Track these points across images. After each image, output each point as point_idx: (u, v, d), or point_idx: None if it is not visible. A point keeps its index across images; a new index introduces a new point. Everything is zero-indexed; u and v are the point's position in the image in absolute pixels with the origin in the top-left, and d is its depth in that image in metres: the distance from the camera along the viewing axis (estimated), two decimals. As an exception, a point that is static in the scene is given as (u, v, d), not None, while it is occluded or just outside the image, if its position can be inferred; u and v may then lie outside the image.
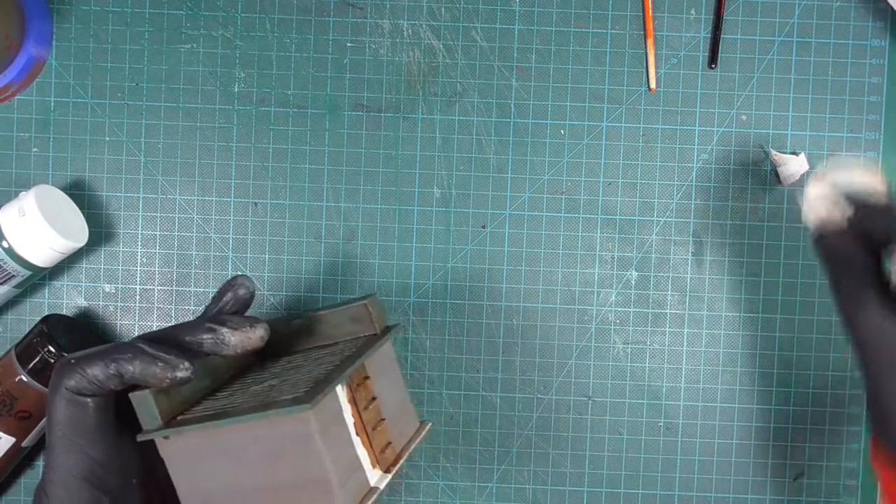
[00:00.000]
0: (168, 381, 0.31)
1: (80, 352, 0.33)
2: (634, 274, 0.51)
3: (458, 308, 0.51)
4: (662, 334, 0.51)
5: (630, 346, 0.51)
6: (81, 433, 0.32)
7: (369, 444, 0.32)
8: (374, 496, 0.30)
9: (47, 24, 0.50)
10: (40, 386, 0.45)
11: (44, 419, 0.47)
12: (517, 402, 0.51)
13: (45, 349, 0.45)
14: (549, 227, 0.51)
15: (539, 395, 0.51)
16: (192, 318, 0.50)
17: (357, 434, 0.31)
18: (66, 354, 0.45)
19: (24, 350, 0.46)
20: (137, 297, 0.51)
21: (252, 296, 0.37)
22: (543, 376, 0.51)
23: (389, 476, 0.32)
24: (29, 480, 0.50)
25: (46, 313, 0.50)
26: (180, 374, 0.31)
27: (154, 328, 0.51)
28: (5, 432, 0.46)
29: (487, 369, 0.51)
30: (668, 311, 0.51)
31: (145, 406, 0.31)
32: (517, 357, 0.51)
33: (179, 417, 0.32)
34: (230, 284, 0.37)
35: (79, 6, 0.50)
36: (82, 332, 0.49)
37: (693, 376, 0.51)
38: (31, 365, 0.45)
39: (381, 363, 0.36)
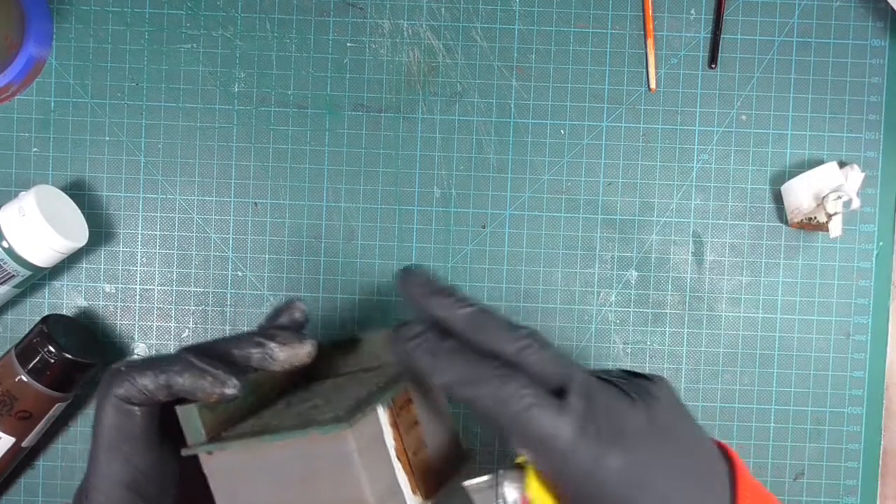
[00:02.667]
0: (216, 396, 0.31)
1: (130, 360, 0.33)
2: (634, 274, 0.51)
3: (458, 308, 0.51)
4: (662, 334, 0.51)
5: (630, 346, 0.51)
6: (127, 441, 0.32)
7: (410, 469, 0.31)
8: None
9: (47, 24, 0.50)
10: (40, 386, 0.45)
11: (43, 419, 0.47)
12: (517, 402, 0.51)
13: (45, 349, 0.45)
14: (549, 227, 0.51)
15: (539, 395, 0.51)
16: (192, 318, 0.50)
17: (398, 458, 0.30)
18: (66, 354, 0.45)
19: (24, 350, 0.46)
20: (137, 297, 0.51)
21: (307, 321, 0.37)
22: (543, 376, 0.51)
23: (429, 503, 0.32)
24: (29, 480, 0.50)
25: (46, 313, 0.50)
26: (228, 391, 0.31)
27: (154, 328, 0.51)
28: (5, 432, 0.46)
29: (487, 369, 0.51)
30: (668, 311, 0.51)
31: (191, 420, 0.31)
32: (517, 357, 0.51)
33: (224, 433, 0.32)
34: (288, 307, 0.37)
35: (79, 6, 0.50)
36: (82, 332, 0.49)
37: (693, 376, 0.51)
38: (31, 365, 0.45)
39: (426, 388, 0.35)
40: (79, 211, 0.48)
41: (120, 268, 0.51)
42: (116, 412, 0.32)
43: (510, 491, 0.29)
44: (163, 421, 0.34)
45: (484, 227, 0.51)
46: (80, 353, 0.46)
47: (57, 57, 0.50)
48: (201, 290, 0.51)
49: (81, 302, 0.51)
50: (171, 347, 0.51)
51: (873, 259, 0.51)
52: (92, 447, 0.33)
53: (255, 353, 0.33)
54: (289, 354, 0.33)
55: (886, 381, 0.51)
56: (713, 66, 0.50)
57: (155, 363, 0.32)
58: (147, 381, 0.32)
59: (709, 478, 0.30)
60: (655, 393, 0.30)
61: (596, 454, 0.27)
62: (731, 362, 0.51)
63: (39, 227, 0.44)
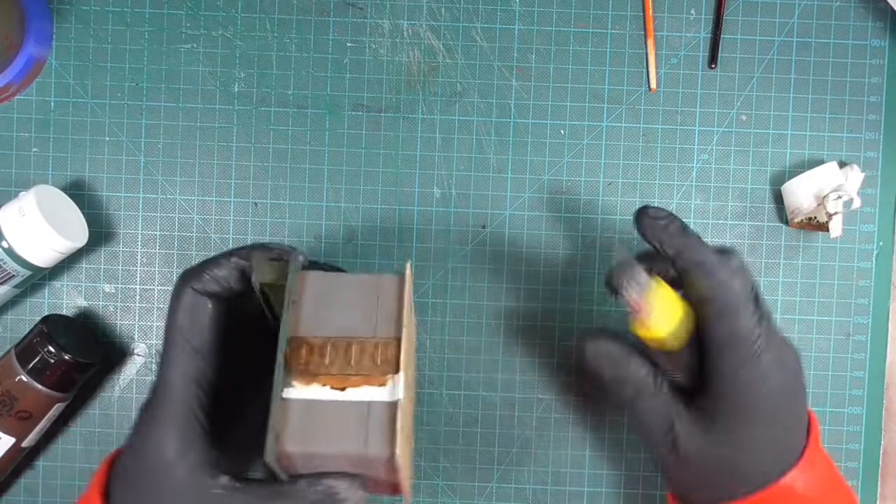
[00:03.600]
0: (300, 258, 0.35)
1: (201, 261, 0.36)
2: (634, 274, 0.51)
3: (458, 308, 0.51)
4: (662, 334, 0.51)
5: (630, 346, 0.51)
6: (198, 334, 0.35)
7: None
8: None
9: (47, 24, 0.50)
10: (40, 386, 0.45)
11: (43, 419, 0.47)
12: (517, 402, 0.51)
13: (45, 349, 0.45)
14: (549, 227, 0.51)
15: (539, 395, 0.51)
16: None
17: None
18: (66, 354, 0.45)
19: (24, 350, 0.46)
20: (137, 297, 0.51)
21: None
22: (543, 376, 0.51)
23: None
24: (29, 480, 0.51)
25: (46, 313, 0.50)
26: (301, 258, 0.35)
27: (154, 328, 0.51)
28: (5, 432, 0.46)
29: (487, 369, 0.51)
30: (668, 311, 0.51)
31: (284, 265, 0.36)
32: (517, 357, 0.51)
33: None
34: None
35: (79, 6, 0.50)
36: (82, 332, 0.49)
37: (693, 376, 0.51)
38: (31, 365, 0.45)
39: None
40: (79, 211, 0.48)
41: (120, 268, 0.51)
42: (191, 303, 0.35)
43: (643, 278, 0.38)
44: (226, 332, 0.36)
45: (484, 227, 0.51)
46: (80, 353, 0.46)
47: (57, 57, 0.50)
48: (201, 290, 0.51)
49: (81, 302, 0.51)
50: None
51: (873, 259, 0.51)
52: (165, 344, 0.35)
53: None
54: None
55: (886, 381, 0.51)
56: (713, 66, 0.50)
57: (225, 253, 0.36)
58: (221, 269, 0.35)
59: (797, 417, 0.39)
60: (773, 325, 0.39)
61: (760, 337, 0.37)
62: (731, 362, 0.51)
63: (39, 227, 0.44)
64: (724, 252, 0.39)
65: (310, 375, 0.33)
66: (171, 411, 0.34)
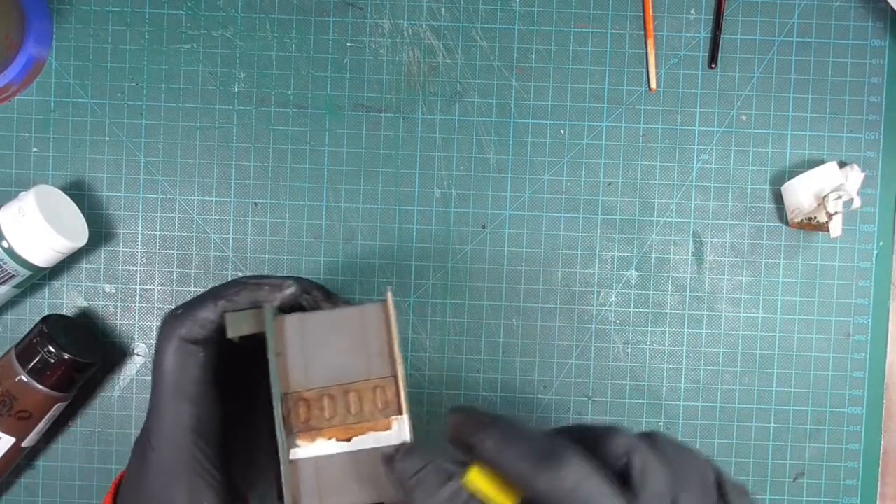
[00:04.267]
0: (278, 300, 0.33)
1: (184, 303, 0.34)
2: (634, 274, 0.51)
3: (458, 308, 0.51)
4: (662, 334, 0.51)
5: (630, 346, 0.51)
6: (191, 383, 0.33)
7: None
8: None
9: (47, 24, 0.50)
10: (40, 386, 0.45)
11: (43, 419, 0.47)
12: (517, 402, 0.51)
13: (45, 349, 0.45)
14: (549, 227, 0.51)
15: (539, 395, 0.51)
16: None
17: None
18: (66, 354, 0.45)
19: (24, 350, 0.46)
20: (137, 297, 0.51)
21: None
22: (543, 376, 0.51)
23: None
24: (29, 480, 0.50)
25: (46, 313, 0.50)
26: (288, 291, 0.33)
27: (154, 328, 0.51)
28: (5, 432, 0.46)
29: (487, 369, 0.51)
30: (668, 311, 0.51)
31: (262, 315, 0.34)
32: (517, 357, 0.51)
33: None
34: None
35: (79, 6, 0.50)
36: (82, 332, 0.49)
37: (693, 376, 0.51)
38: (31, 365, 0.45)
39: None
40: (79, 211, 0.48)
41: (120, 268, 0.51)
42: (180, 354, 0.33)
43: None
44: (219, 372, 0.35)
45: (484, 227, 0.51)
46: (80, 353, 0.46)
47: (57, 57, 0.50)
48: (201, 290, 0.51)
49: (81, 302, 0.51)
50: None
51: (873, 259, 0.51)
52: (154, 394, 0.33)
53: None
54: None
55: (886, 381, 0.51)
56: (713, 66, 0.50)
57: (210, 295, 0.33)
58: (208, 313, 0.33)
59: None
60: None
61: None
62: (731, 362, 0.51)
63: (39, 227, 0.44)
64: (556, 453, 0.28)
65: (313, 431, 0.33)
66: (175, 467, 0.33)
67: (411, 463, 0.30)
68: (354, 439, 0.33)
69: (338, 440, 0.33)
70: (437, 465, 0.29)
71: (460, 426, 0.31)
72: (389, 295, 0.34)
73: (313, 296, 0.35)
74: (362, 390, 0.33)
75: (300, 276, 0.39)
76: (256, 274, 0.36)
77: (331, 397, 0.33)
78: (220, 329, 0.33)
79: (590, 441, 0.29)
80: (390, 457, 0.31)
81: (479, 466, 0.29)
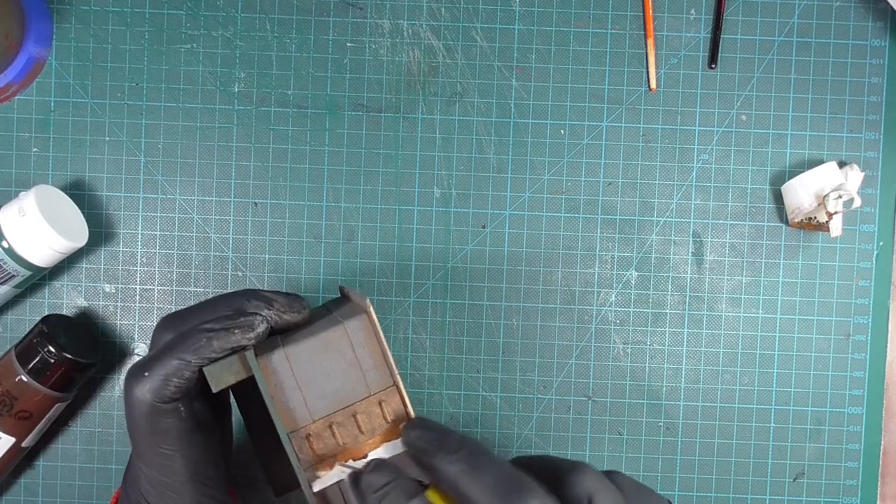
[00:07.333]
0: (252, 340, 0.32)
1: (145, 360, 0.32)
2: (634, 274, 0.51)
3: (458, 308, 0.51)
4: (662, 334, 0.51)
5: (630, 346, 0.51)
6: (176, 438, 0.32)
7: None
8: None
9: (47, 24, 0.50)
10: (40, 386, 0.45)
11: (43, 419, 0.47)
12: (517, 402, 0.51)
13: (45, 349, 0.45)
14: (549, 227, 0.51)
15: (539, 395, 0.51)
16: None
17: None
18: (66, 354, 0.45)
19: (24, 350, 0.46)
20: (137, 297, 0.51)
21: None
22: (543, 376, 0.51)
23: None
24: (29, 480, 0.50)
25: (46, 313, 0.50)
26: (260, 330, 0.32)
27: (154, 328, 0.51)
28: (5, 432, 0.46)
29: (487, 369, 0.51)
30: (668, 311, 0.51)
31: (238, 360, 0.33)
32: (517, 357, 0.51)
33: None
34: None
35: (79, 6, 0.50)
36: (82, 332, 0.49)
37: (693, 376, 0.51)
38: (31, 365, 0.45)
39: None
40: (79, 211, 0.48)
41: (120, 268, 0.51)
42: (160, 414, 0.31)
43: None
44: (197, 411, 0.34)
45: (484, 227, 0.51)
46: (80, 353, 0.46)
47: (57, 57, 0.50)
48: (201, 290, 0.51)
49: (81, 302, 0.51)
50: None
51: (873, 259, 0.51)
52: (137, 454, 0.32)
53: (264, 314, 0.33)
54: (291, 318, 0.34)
55: (886, 381, 0.51)
56: (713, 66, 0.50)
57: (176, 349, 0.31)
58: (181, 372, 0.31)
59: None
60: None
61: None
62: (731, 362, 0.51)
63: (39, 227, 0.44)
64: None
65: (329, 458, 0.33)
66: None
67: (377, 477, 0.30)
68: (370, 454, 0.33)
69: (355, 460, 0.33)
70: (402, 480, 0.29)
71: (421, 444, 0.30)
72: (369, 303, 0.33)
73: (276, 309, 0.34)
74: (370, 409, 0.33)
75: (254, 287, 0.37)
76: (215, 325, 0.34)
77: (339, 424, 0.33)
78: (197, 379, 0.32)
79: (554, 476, 0.29)
80: (356, 474, 0.30)
81: (436, 490, 0.29)
